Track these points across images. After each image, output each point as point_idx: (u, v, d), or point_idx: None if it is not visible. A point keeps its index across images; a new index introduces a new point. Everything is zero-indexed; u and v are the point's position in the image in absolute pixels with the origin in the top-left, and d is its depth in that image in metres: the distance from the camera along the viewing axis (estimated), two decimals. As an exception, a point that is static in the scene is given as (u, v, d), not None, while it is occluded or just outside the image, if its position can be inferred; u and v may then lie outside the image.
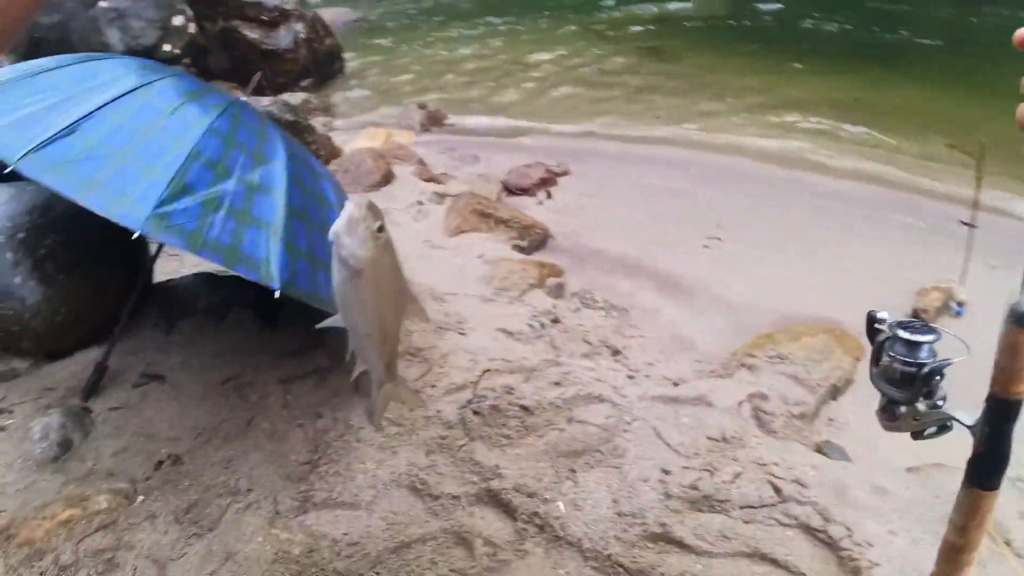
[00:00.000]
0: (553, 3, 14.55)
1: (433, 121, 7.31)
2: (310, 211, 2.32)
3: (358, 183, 5.02)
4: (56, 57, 2.38)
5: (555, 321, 3.30)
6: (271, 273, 1.96)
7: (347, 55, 9.99)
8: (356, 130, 6.99)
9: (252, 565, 1.97)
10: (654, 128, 6.80)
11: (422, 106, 7.43)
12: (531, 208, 5.03)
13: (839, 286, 3.95)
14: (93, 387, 2.79)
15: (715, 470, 2.23)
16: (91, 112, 2.03)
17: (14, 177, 2.41)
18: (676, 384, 2.93)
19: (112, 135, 2.01)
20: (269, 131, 2.42)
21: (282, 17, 8.14)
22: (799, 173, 5.70)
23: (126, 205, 1.85)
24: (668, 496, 2.15)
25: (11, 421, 2.63)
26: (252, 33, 8.02)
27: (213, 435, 2.54)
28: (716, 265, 4.23)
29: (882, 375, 0.99)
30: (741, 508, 2.10)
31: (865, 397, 2.78)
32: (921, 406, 0.95)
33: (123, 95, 2.13)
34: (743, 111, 7.00)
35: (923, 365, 0.94)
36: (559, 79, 8.87)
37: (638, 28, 11.39)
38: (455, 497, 2.20)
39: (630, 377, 2.92)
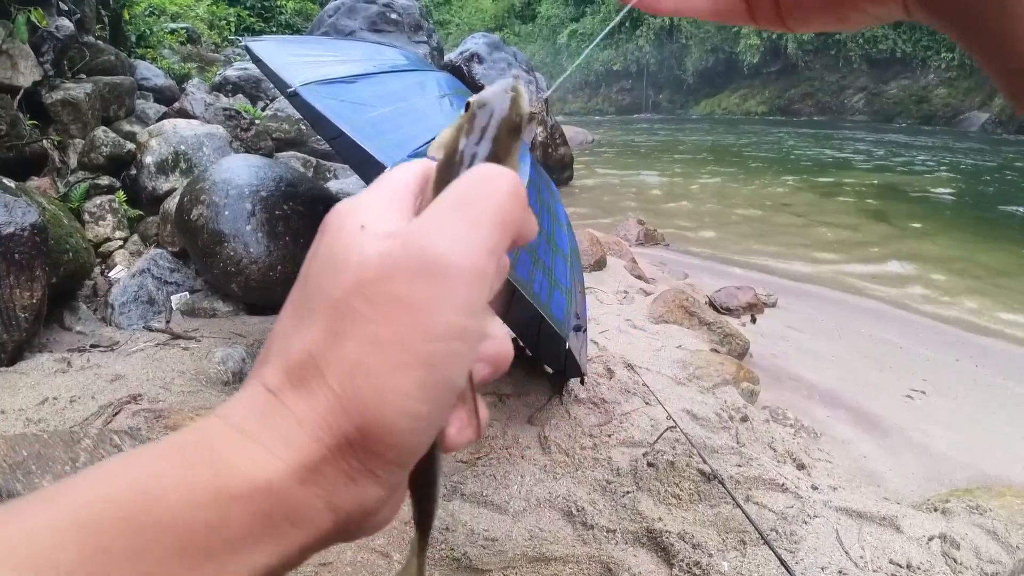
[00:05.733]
0: (774, 161, 14.75)
1: (648, 238, 7.45)
2: (539, 214, 2.40)
3: (574, 258, 5.23)
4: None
5: (744, 419, 3.01)
6: None
7: (577, 168, 10.89)
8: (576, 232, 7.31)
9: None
10: (868, 282, 6.42)
11: (641, 222, 7.63)
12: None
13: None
14: (282, 341, 2.97)
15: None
16: (372, 73, 2.32)
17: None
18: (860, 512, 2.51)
19: (386, 94, 2.27)
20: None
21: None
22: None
23: (382, 144, 2.03)
24: (851, 590, 1.82)
25: (196, 346, 2.86)
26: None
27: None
28: (917, 414, 3.78)
29: None
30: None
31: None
32: None
33: (403, 71, 2.42)
34: (971, 282, 6.40)
35: None
36: (776, 222, 8.79)
37: (863, 189, 11.10)
38: (610, 531, 2.00)
39: (814, 488, 2.52)
